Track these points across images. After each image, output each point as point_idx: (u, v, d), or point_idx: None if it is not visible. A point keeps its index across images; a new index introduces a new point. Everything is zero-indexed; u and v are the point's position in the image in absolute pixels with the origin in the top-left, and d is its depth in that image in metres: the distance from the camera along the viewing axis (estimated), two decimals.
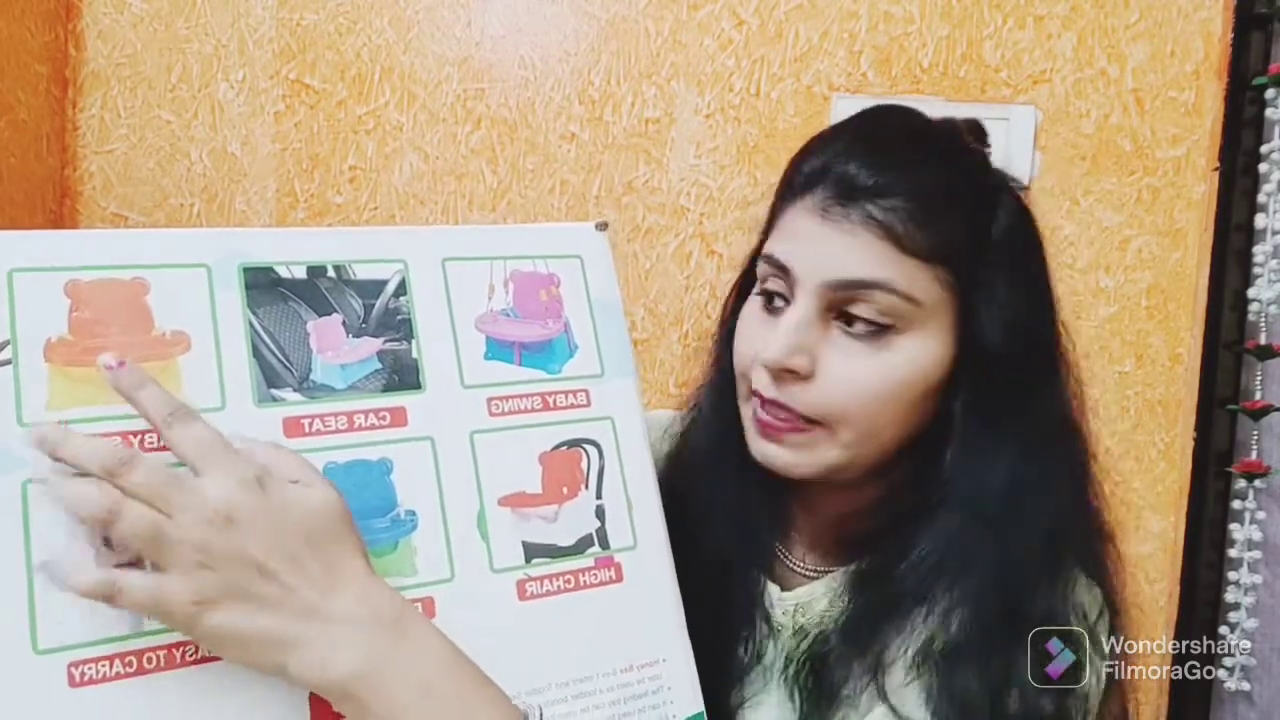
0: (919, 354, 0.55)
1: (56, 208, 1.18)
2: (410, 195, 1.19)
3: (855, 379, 0.55)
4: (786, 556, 0.66)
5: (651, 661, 0.54)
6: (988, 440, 0.56)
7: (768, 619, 0.62)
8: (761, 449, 0.59)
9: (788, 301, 0.57)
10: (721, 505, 0.63)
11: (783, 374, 0.55)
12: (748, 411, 0.60)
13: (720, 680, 0.59)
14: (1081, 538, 0.59)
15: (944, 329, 0.56)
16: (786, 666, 0.60)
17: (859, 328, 0.55)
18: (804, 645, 0.58)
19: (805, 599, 0.63)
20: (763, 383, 0.56)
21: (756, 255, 0.63)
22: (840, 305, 0.55)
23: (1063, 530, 0.57)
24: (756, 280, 0.60)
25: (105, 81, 1.19)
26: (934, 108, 1.15)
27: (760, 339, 0.57)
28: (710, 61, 1.18)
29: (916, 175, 0.55)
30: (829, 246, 0.54)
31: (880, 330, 0.54)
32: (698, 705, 0.54)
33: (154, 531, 0.41)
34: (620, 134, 1.19)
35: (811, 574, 0.65)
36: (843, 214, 0.54)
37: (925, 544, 0.56)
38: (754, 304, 0.60)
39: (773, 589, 0.64)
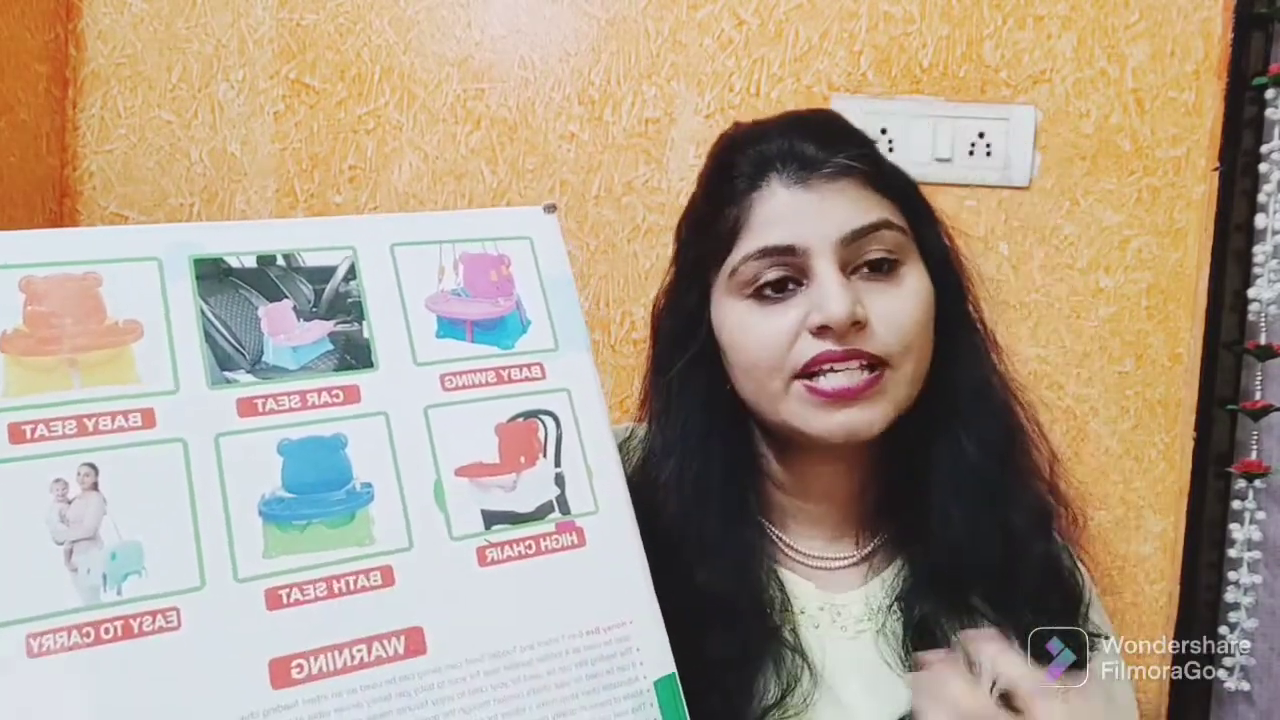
0: (921, 281, 0.62)
1: (56, 207, 1.18)
2: (410, 195, 1.19)
3: (895, 313, 0.59)
4: (803, 553, 0.66)
5: (618, 623, 0.53)
6: (971, 360, 0.66)
7: (795, 632, 0.62)
8: (834, 421, 0.60)
9: (797, 283, 0.59)
10: (720, 538, 0.63)
11: (848, 329, 0.58)
12: (790, 405, 0.60)
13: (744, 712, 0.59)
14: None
15: (920, 260, 0.63)
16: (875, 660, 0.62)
17: (872, 269, 0.60)
18: (888, 624, 0.63)
19: (848, 601, 0.64)
20: (827, 344, 0.59)
21: (699, 270, 0.67)
22: (853, 257, 0.59)
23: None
24: (734, 285, 0.62)
25: (105, 81, 1.19)
26: (934, 108, 1.15)
27: (782, 332, 0.59)
28: (710, 61, 1.18)
29: (851, 140, 0.62)
30: (827, 206, 0.58)
31: (892, 265, 0.60)
32: (669, 667, 0.53)
33: None
34: (620, 134, 1.19)
35: (835, 564, 0.66)
36: (823, 177, 0.59)
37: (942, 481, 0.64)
38: (744, 307, 0.61)
39: (806, 588, 0.65)
